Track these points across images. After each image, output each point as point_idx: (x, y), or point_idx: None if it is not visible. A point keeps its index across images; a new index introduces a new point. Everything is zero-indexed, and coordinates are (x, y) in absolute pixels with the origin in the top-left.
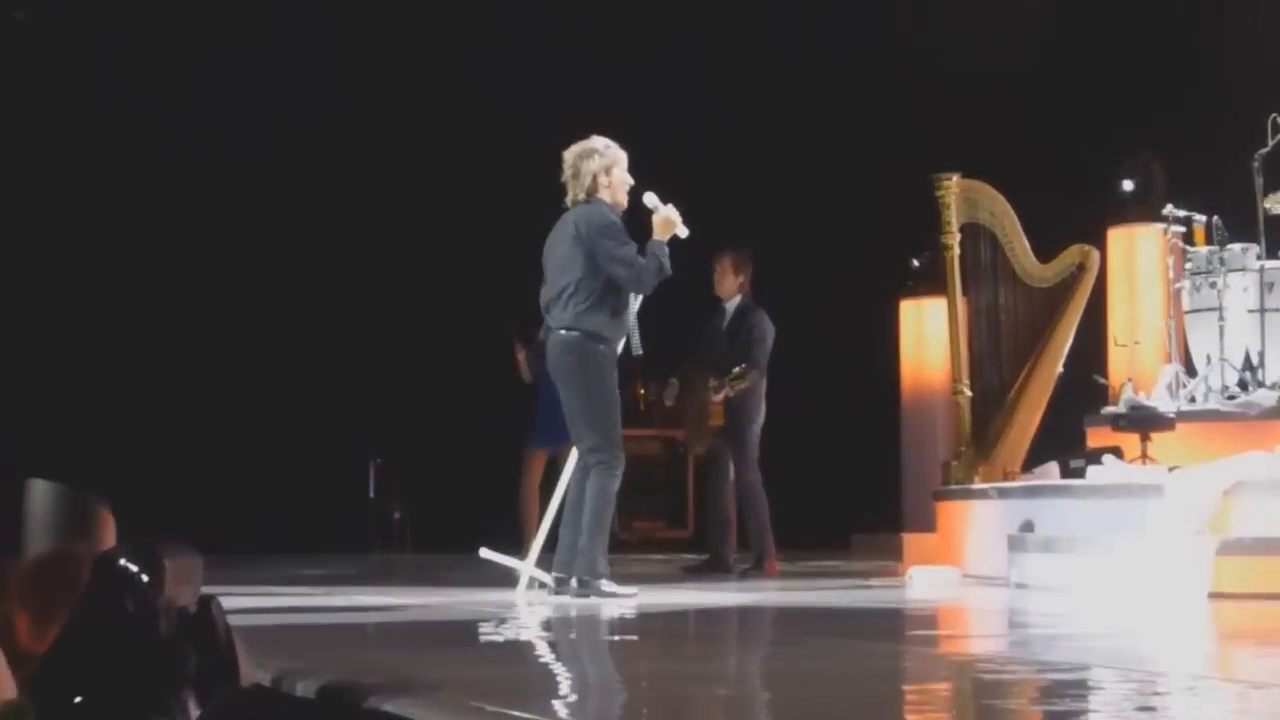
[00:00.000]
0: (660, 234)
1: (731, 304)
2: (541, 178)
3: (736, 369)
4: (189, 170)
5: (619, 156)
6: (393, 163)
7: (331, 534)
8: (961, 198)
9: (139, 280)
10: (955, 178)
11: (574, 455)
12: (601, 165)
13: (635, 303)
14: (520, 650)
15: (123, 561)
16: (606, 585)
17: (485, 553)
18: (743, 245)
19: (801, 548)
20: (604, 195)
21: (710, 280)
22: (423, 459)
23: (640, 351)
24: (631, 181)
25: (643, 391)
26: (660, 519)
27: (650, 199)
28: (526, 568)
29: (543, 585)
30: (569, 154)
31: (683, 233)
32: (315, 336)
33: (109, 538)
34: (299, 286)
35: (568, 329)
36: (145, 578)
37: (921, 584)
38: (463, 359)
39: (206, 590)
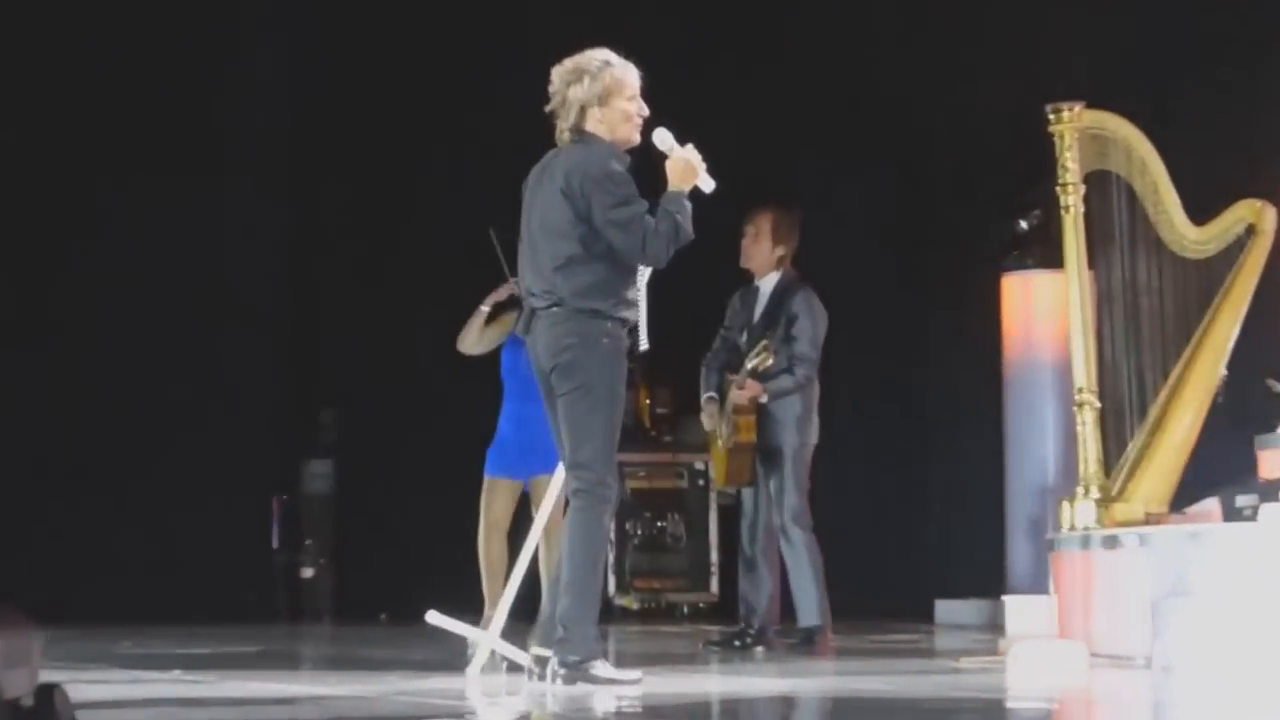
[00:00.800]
0: (677, 183)
1: (767, 281)
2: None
3: (760, 344)
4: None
5: (622, 80)
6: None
7: (221, 598)
8: (1087, 136)
9: None
10: (1078, 108)
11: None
12: (593, 93)
13: (643, 280)
14: None
15: None
16: (600, 668)
17: (433, 617)
18: (787, 203)
19: (868, 616)
20: (598, 131)
21: (738, 249)
22: (343, 494)
23: (645, 346)
24: (642, 113)
25: (648, 402)
26: (675, 577)
27: (662, 137)
28: (487, 640)
29: (512, 666)
30: (555, 74)
31: (707, 185)
32: (193, 322)
33: None
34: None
35: (561, 305)
36: None
37: (1030, 666)
38: (396, 351)
39: (47, 676)
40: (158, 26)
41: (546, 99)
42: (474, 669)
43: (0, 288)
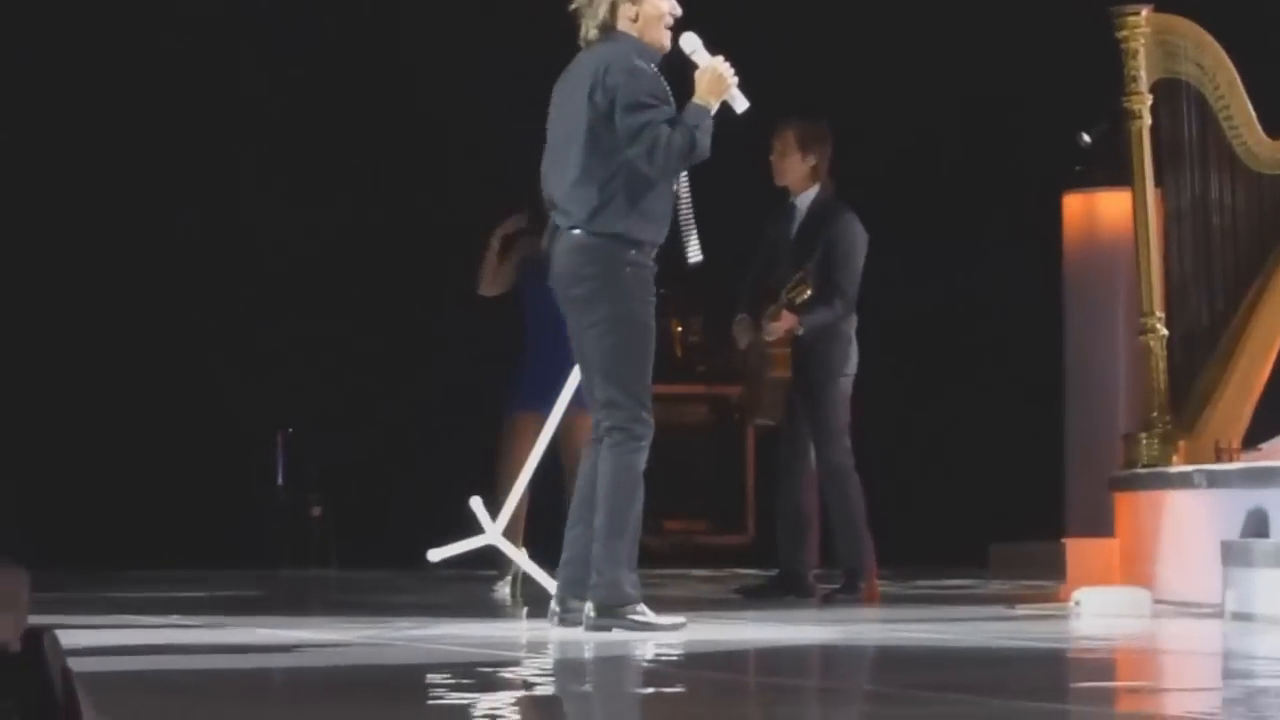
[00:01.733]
0: (704, 95)
1: (804, 198)
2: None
3: (796, 276)
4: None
5: None
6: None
7: (221, 539)
8: (1154, 42)
9: None
10: (1145, 11)
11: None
12: None
13: (685, 188)
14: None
15: None
16: (639, 613)
17: (435, 554)
18: (810, 113)
19: (915, 561)
20: (629, 29)
21: (769, 165)
22: (352, 429)
23: (697, 257)
24: (674, 12)
25: (680, 329)
26: (706, 518)
27: (690, 42)
28: (497, 541)
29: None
30: None
31: (739, 104)
32: (189, 244)
33: None
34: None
35: (579, 228)
36: None
37: (1093, 613)
38: (407, 281)
39: (36, 620)
40: None
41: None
42: (502, 592)
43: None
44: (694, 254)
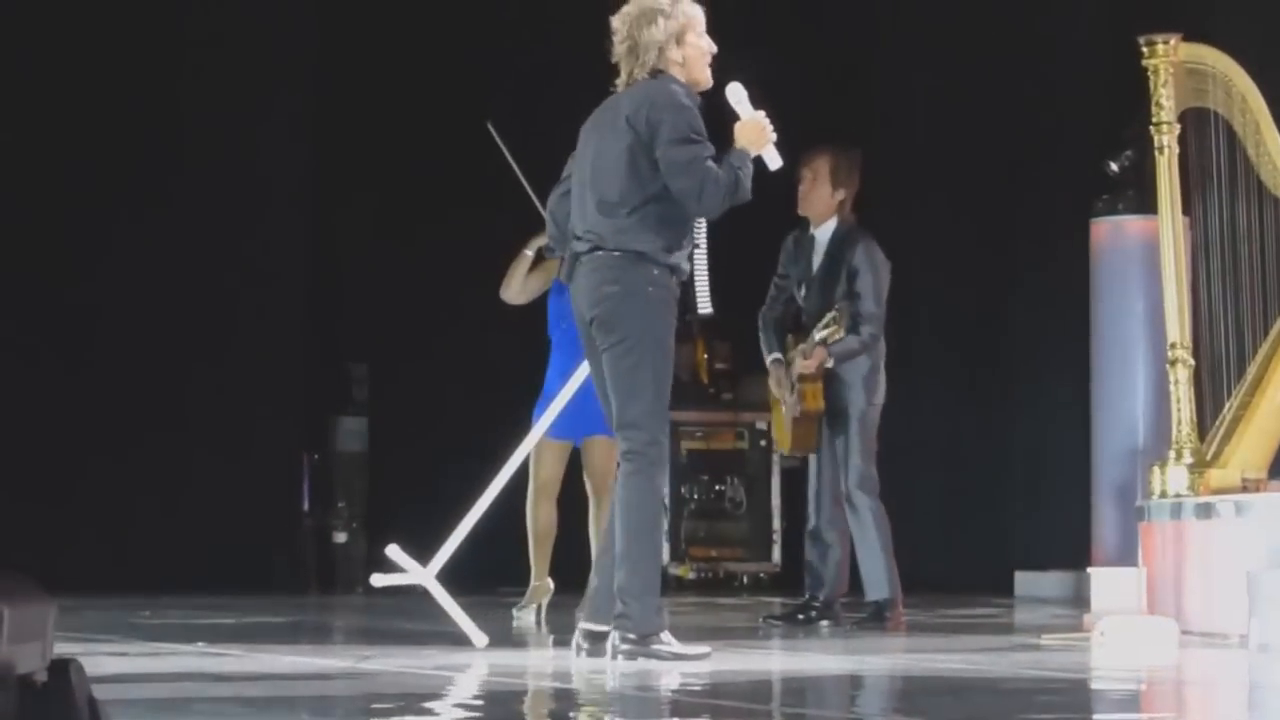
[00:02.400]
0: (745, 142)
1: (825, 230)
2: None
3: (829, 315)
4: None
5: (694, 15)
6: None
7: (247, 565)
8: (1183, 71)
9: None
10: (1174, 40)
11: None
12: (670, 32)
13: (701, 236)
14: None
15: None
16: (664, 642)
17: (378, 580)
18: (845, 143)
19: (942, 589)
20: (676, 73)
21: (794, 194)
22: (379, 452)
23: (707, 310)
24: (712, 50)
25: (705, 357)
26: (734, 545)
27: (736, 93)
28: (426, 579)
29: (558, 641)
30: (621, 20)
31: (774, 162)
32: (216, 272)
33: None
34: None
35: (602, 248)
36: None
37: (1117, 644)
38: (432, 301)
39: (61, 648)
40: None
41: (581, 36)
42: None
43: (18, 242)
44: (704, 305)
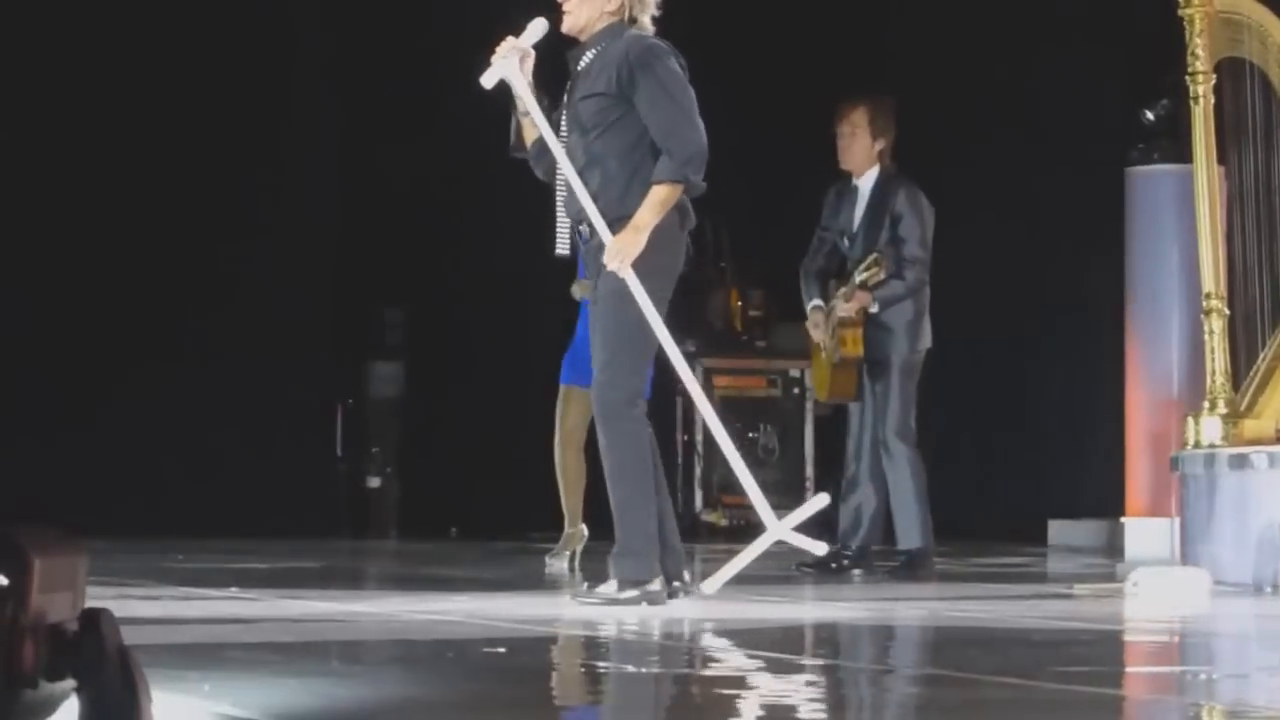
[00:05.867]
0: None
1: (867, 180)
2: None
3: (870, 258)
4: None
5: None
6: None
7: (280, 510)
8: (1219, 20)
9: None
10: None
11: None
12: None
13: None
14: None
15: None
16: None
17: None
18: (880, 94)
19: (976, 538)
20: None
21: (832, 145)
22: (411, 399)
23: (560, 250)
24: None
25: (739, 305)
26: (767, 493)
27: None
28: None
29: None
30: None
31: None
32: (247, 213)
33: None
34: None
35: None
36: (3, 581)
37: (1150, 594)
38: (472, 249)
39: (94, 594)
40: None
41: None
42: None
43: (51, 190)
44: (558, 246)
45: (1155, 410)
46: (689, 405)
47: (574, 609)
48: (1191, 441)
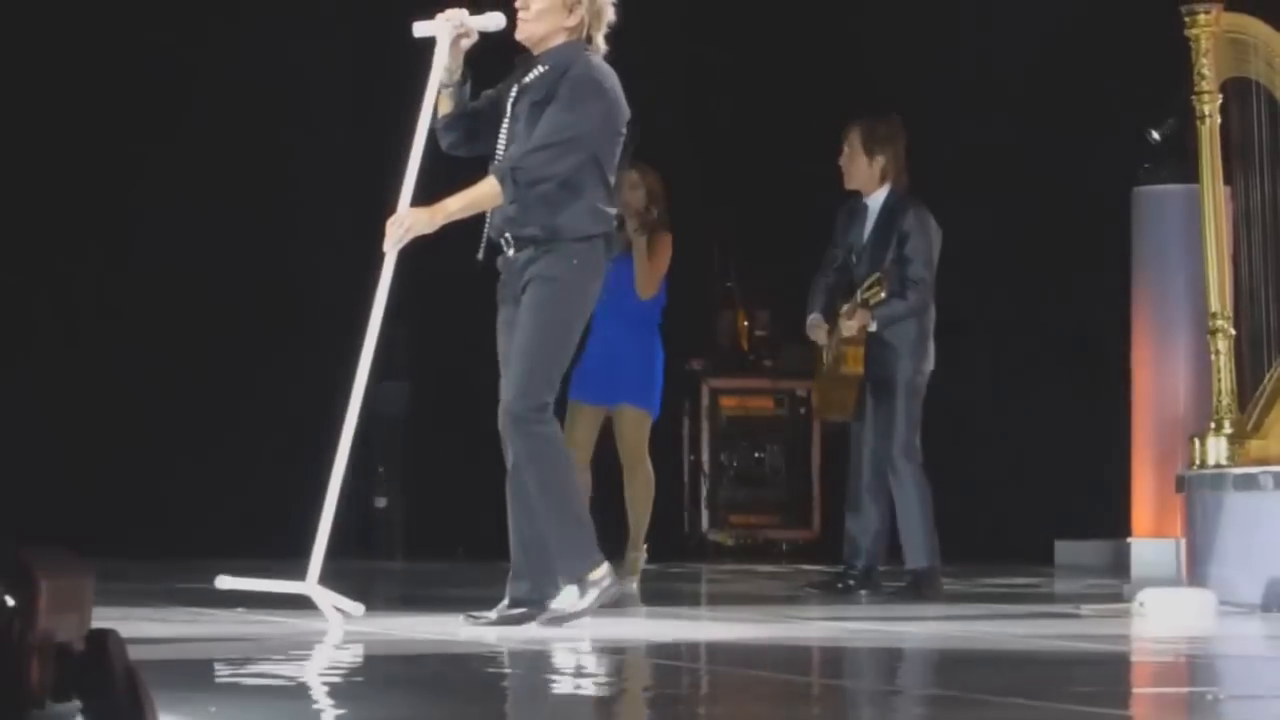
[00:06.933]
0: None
1: (875, 199)
2: None
3: (873, 276)
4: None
5: None
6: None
7: (286, 529)
8: (1225, 40)
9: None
10: (1215, 10)
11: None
12: None
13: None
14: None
15: None
16: (595, 582)
17: (224, 582)
18: (876, 112)
19: (981, 559)
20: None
21: (838, 168)
22: (421, 418)
23: (481, 257)
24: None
25: (746, 324)
26: (773, 512)
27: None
28: (309, 590)
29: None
30: None
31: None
32: (258, 232)
33: None
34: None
35: None
36: (10, 601)
37: (1157, 615)
38: (478, 266)
39: (101, 613)
40: None
41: None
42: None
43: (68, 205)
44: (481, 253)
45: (1161, 430)
46: (695, 426)
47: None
48: (1198, 462)
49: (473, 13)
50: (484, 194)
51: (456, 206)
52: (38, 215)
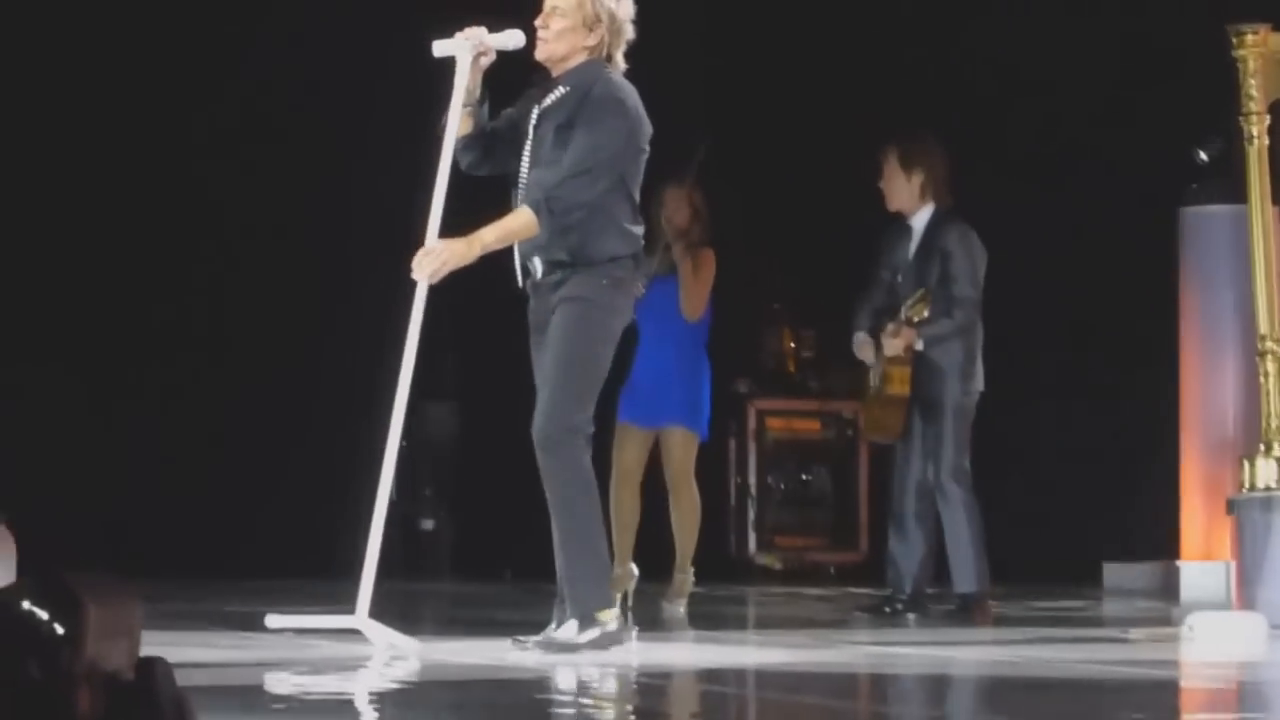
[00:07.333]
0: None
1: (919, 218)
2: None
3: (917, 293)
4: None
5: None
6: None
7: (334, 551)
8: (1273, 61)
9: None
10: (1263, 31)
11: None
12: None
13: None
14: None
15: (26, 606)
16: (600, 624)
17: (274, 621)
18: (910, 132)
19: (1030, 581)
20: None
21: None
22: (468, 438)
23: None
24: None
25: (793, 345)
26: (820, 536)
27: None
28: (359, 623)
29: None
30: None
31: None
32: (306, 255)
33: (5, 569)
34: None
35: None
36: (58, 629)
37: (1207, 639)
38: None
39: (149, 645)
40: None
41: None
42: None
43: (110, 229)
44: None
45: (1210, 452)
46: (742, 447)
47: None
48: (1248, 484)
49: (491, 30)
50: (520, 225)
51: (492, 238)
52: (93, 243)
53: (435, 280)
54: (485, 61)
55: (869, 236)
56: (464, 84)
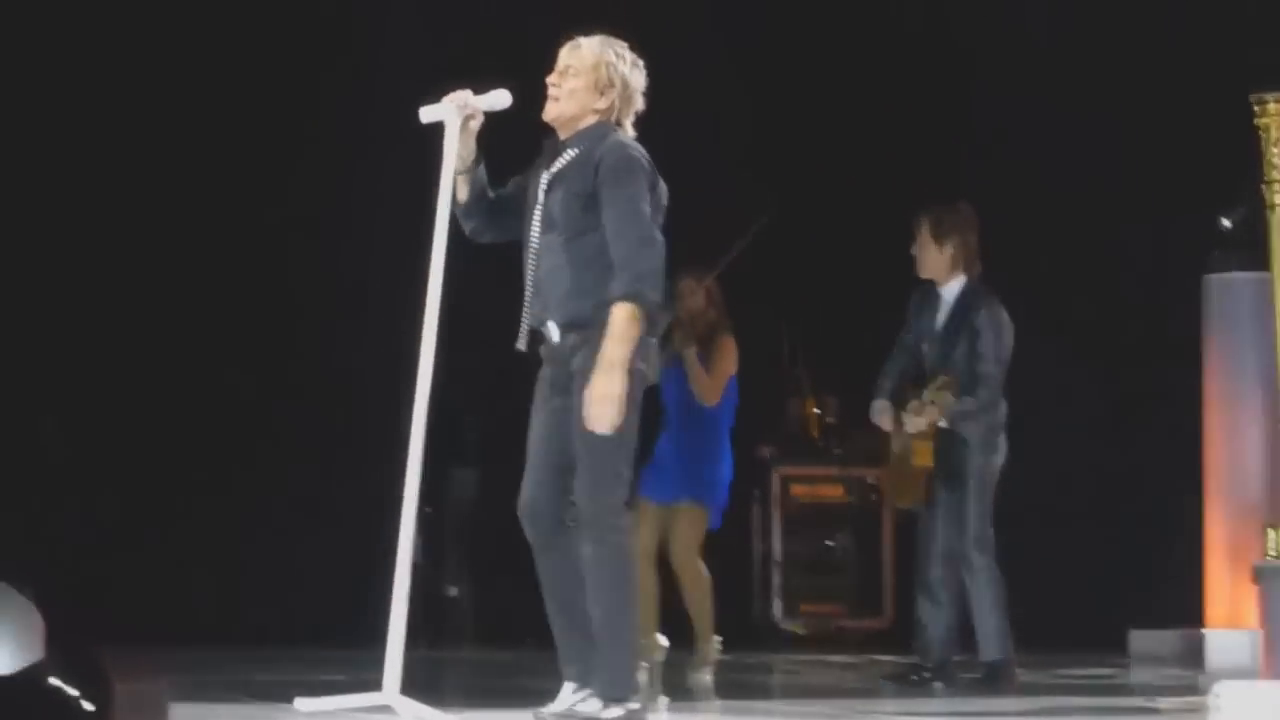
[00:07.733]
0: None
1: (949, 288)
2: None
3: (941, 379)
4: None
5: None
6: None
7: (358, 618)
8: None
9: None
10: None
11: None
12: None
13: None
14: None
15: (52, 682)
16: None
17: (303, 704)
18: (945, 202)
19: (1056, 648)
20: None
21: (909, 258)
22: (492, 505)
23: (521, 347)
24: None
25: (816, 411)
26: (845, 602)
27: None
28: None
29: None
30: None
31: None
32: (326, 315)
33: (33, 645)
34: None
35: None
36: (87, 706)
37: (1233, 709)
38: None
39: (178, 718)
40: None
41: None
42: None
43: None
44: (520, 343)
45: (1234, 519)
46: (765, 513)
47: None
48: (1273, 551)
49: (477, 92)
50: (629, 323)
51: (622, 353)
52: (108, 291)
53: (616, 423)
54: (474, 124)
55: (893, 303)
56: (454, 149)
